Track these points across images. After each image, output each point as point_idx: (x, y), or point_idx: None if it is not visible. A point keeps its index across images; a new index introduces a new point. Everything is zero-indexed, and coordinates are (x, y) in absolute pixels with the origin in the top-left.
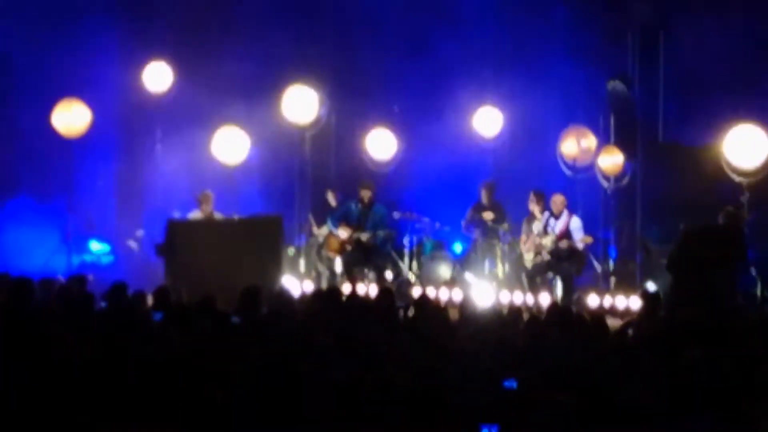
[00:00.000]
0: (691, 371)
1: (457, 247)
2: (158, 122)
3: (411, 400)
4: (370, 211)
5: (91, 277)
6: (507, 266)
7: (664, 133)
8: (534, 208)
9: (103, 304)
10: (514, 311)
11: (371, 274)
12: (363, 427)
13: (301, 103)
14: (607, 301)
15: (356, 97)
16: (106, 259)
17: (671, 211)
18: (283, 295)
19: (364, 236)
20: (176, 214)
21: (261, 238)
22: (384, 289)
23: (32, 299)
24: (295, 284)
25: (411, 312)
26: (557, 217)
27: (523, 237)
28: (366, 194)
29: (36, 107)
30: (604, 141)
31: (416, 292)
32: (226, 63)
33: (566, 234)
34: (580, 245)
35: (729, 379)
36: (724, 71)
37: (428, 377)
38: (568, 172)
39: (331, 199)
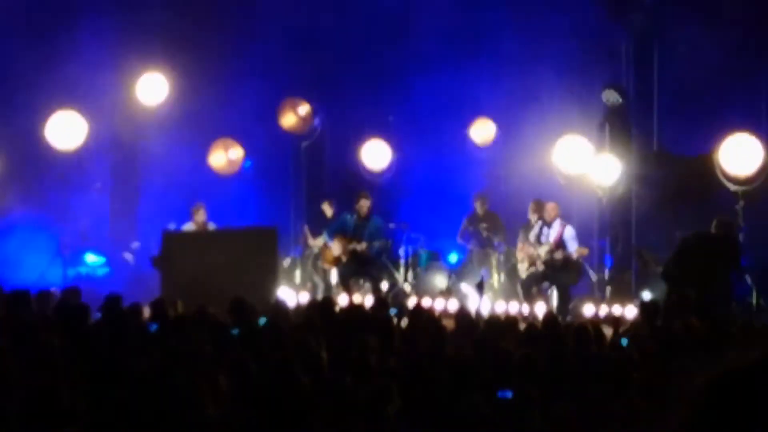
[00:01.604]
0: (686, 380)
1: (453, 257)
2: (153, 134)
3: (406, 411)
4: (366, 222)
5: (86, 289)
6: (502, 276)
7: (659, 142)
8: (533, 216)
9: (98, 315)
10: (510, 321)
11: (367, 285)
12: None
13: (295, 114)
14: (603, 310)
15: (350, 107)
16: (102, 271)
17: (666, 221)
18: (279, 307)
19: (360, 247)
20: (171, 226)
21: (257, 249)
22: (379, 300)
23: (29, 311)
24: (291, 295)
25: (405, 322)
26: (549, 225)
27: (520, 245)
28: (365, 204)
29: (31, 119)
30: (599, 150)
31: (412, 302)
32: (221, 74)
33: (560, 244)
34: (575, 255)
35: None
36: (718, 80)
37: (423, 387)
38: (562, 182)
39: (327, 209)
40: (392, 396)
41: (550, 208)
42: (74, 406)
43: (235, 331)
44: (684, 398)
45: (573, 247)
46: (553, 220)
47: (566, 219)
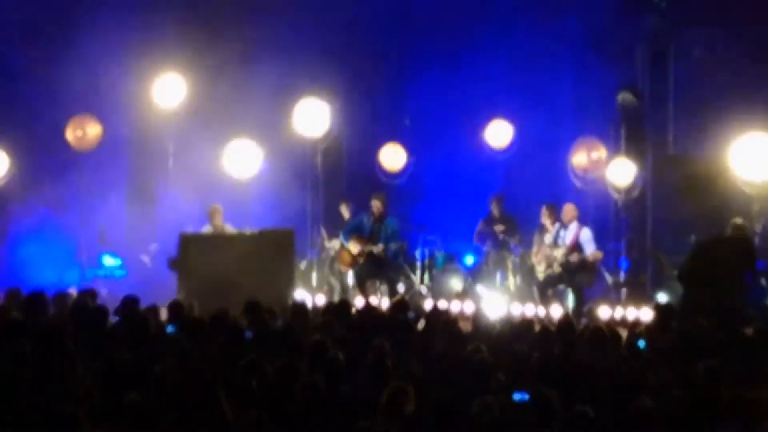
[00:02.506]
0: (704, 381)
1: (469, 260)
2: (171, 135)
3: (422, 413)
4: (382, 224)
5: (104, 291)
6: (518, 278)
7: (674, 144)
8: (546, 221)
9: (115, 318)
10: (526, 323)
11: (383, 287)
12: None
13: (312, 116)
14: (619, 312)
15: (367, 110)
16: (119, 273)
17: (682, 223)
18: (298, 309)
19: (376, 249)
20: (189, 228)
21: (273, 251)
22: (398, 302)
23: (46, 313)
24: (307, 297)
25: (421, 325)
26: (567, 227)
27: (535, 249)
28: (376, 206)
29: (50, 123)
30: (614, 152)
31: (428, 304)
32: (239, 76)
33: (576, 246)
34: (590, 258)
35: (741, 389)
36: (733, 83)
37: (440, 389)
38: (578, 184)
39: (345, 211)
40: (409, 397)
41: (568, 209)
42: (92, 407)
43: (249, 334)
44: None
45: (589, 250)
46: (570, 222)
47: (583, 221)
